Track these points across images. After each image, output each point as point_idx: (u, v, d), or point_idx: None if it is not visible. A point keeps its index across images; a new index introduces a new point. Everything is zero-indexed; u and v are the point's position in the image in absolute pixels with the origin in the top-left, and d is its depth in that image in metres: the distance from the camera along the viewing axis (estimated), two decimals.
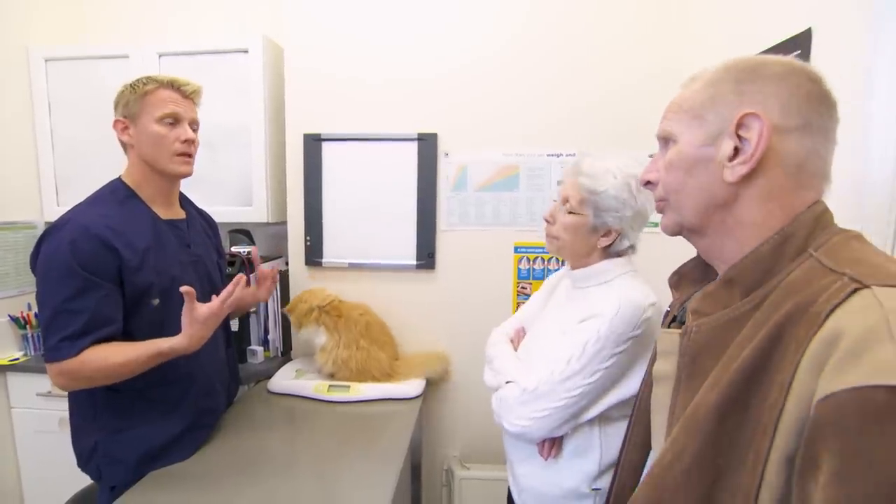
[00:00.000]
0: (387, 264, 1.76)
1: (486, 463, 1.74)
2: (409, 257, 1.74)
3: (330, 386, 1.54)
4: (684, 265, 0.69)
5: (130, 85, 1.12)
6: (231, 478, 1.10)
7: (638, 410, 0.74)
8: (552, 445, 0.99)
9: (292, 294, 1.81)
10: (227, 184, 1.76)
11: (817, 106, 0.52)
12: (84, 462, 1.14)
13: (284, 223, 1.81)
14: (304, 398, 1.53)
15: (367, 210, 1.74)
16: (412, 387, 1.57)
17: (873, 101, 0.80)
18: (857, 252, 0.48)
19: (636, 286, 0.97)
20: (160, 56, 1.73)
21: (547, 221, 1.07)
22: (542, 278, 1.67)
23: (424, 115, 1.69)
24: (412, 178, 1.71)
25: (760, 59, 0.55)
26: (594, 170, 0.98)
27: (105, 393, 1.08)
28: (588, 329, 0.93)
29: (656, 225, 0.77)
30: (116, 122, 1.13)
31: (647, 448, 0.69)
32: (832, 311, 0.43)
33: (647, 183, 0.64)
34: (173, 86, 1.13)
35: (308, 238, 1.77)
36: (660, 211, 0.63)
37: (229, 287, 1.08)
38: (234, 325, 1.63)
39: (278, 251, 1.98)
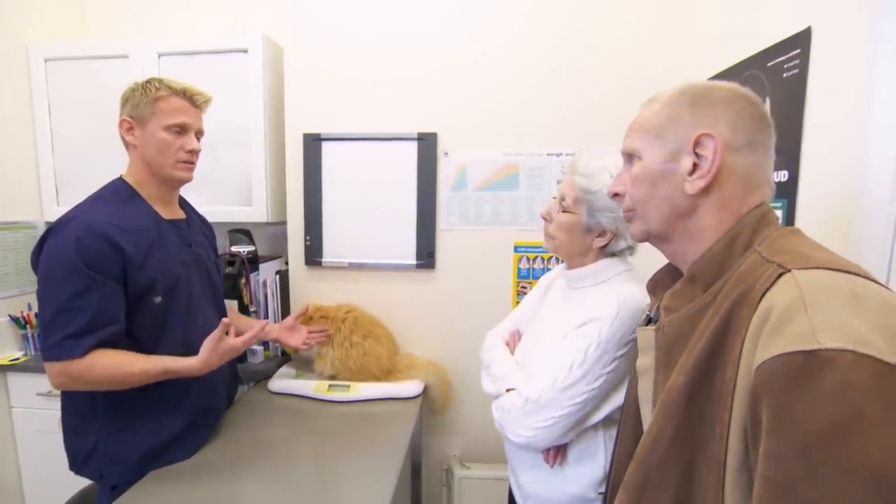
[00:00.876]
0: (387, 264, 1.76)
1: (486, 462, 1.75)
2: (409, 257, 1.75)
3: (330, 385, 1.55)
4: (657, 273, 0.76)
5: (142, 86, 1.11)
6: (231, 477, 1.10)
7: (627, 404, 0.76)
8: (557, 452, 0.97)
9: (292, 294, 1.81)
10: (227, 184, 1.76)
11: (759, 125, 0.59)
12: (81, 463, 1.12)
13: (284, 223, 1.81)
14: (304, 398, 1.53)
15: (367, 210, 1.74)
16: (412, 386, 1.57)
17: (873, 100, 0.80)
18: (790, 244, 0.55)
19: (633, 287, 0.94)
20: (160, 56, 1.73)
21: (545, 219, 1.06)
22: None
23: (424, 114, 1.69)
24: (412, 177, 1.71)
25: (710, 85, 0.63)
26: (589, 169, 0.96)
27: (105, 393, 1.08)
28: (589, 334, 0.91)
29: None
30: (123, 121, 1.12)
31: (638, 438, 0.71)
32: (764, 293, 0.50)
33: (616, 195, 0.71)
34: (185, 94, 1.13)
35: (308, 238, 1.77)
36: (628, 220, 0.70)
37: (255, 330, 1.16)
38: None
39: (278, 251, 1.98)
